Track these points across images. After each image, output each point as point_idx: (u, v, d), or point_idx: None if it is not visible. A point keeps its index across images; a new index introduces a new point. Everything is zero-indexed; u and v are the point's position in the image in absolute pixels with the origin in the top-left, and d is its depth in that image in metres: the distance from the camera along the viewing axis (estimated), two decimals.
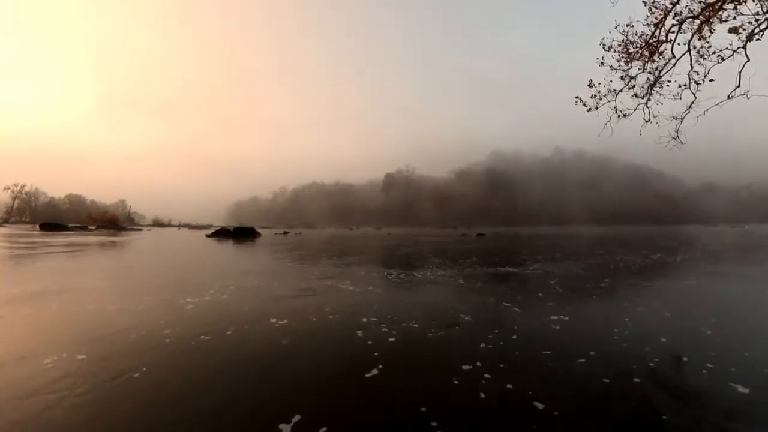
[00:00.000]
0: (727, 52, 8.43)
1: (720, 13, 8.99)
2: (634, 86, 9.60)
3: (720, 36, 8.91)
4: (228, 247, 17.56)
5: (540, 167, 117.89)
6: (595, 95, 9.76)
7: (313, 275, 7.40)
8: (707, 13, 9.18)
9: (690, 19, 9.20)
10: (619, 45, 10.21)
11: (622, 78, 10.26)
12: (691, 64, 9.57)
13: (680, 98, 9.86)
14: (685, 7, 9.34)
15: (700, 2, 9.22)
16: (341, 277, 7.06)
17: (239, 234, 28.16)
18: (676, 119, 9.93)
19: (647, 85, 9.53)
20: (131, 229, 56.17)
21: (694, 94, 9.61)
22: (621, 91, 9.80)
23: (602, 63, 10.28)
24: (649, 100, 9.63)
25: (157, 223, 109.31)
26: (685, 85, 9.14)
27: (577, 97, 10.10)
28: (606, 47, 10.37)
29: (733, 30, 7.92)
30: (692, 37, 9.48)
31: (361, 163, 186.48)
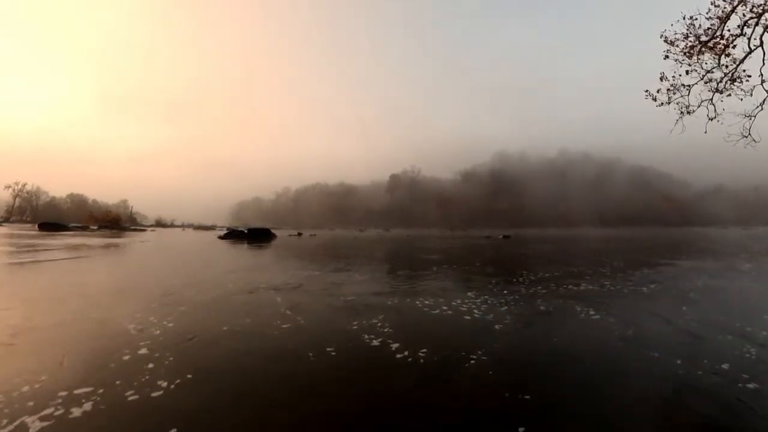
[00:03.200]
0: None
1: None
2: (710, 80, 9.11)
3: None
4: (254, 252, 16.18)
5: (545, 168, 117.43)
6: (670, 89, 9.31)
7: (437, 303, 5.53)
8: None
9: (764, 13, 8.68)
10: (684, 38, 9.74)
11: (687, 72, 9.78)
12: (763, 60, 9.09)
13: (751, 95, 9.37)
14: (755, 2, 8.85)
15: None
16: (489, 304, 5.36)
17: (254, 236, 27.55)
18: (748, 116, 9.44)
19: (726, 79, 9.01)
20: (134, 230, 55.64)
21: (767, 91, 9.11)
22: (695, 85, 9.30)
23: (667, 56, 9.83)
24: (729, 95, 9.10)
25: (160, 224, 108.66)
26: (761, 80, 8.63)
27: (646, 91, 9.69)
28: (669, 41, 9.93)
29: None
30: (764, 31, 9.00)
31: (365, 164, 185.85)
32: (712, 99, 9.64)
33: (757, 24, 8.53)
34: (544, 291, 6.45)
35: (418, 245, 21.07)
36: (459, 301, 5.46)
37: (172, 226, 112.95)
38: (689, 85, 9.35)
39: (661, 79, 9.49)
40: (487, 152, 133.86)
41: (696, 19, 9.42)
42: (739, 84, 8.86)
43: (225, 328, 4.01)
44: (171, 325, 4.09)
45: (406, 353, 3.26)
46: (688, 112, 9.97)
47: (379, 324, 4.20)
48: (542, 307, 5.18)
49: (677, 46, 9.74)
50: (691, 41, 9.56)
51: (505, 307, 5.11)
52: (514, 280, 7.70)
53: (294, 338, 3.71)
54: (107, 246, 18.33)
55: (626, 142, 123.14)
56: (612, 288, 6.87)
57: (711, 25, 9.27)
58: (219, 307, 5.03)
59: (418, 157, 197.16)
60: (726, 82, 8.96)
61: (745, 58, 8.92)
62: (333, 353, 3.28)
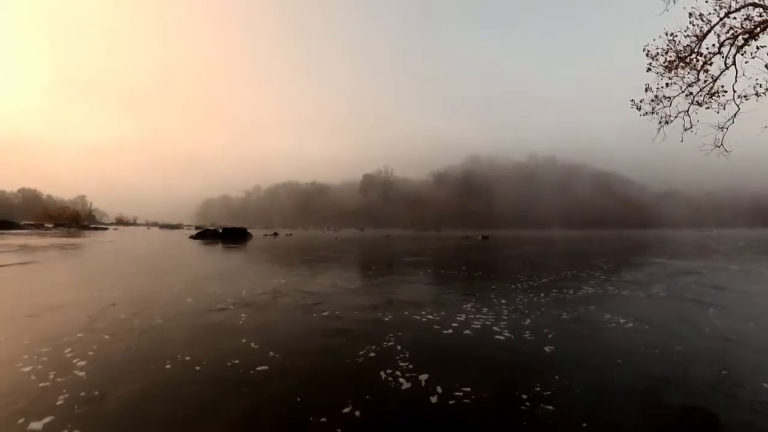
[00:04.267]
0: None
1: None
2: (691, 93, 9.68)
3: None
4: (228, 255, 15.05)
5: (515, 172, 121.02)
6: (654, 99, 9.85)
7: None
8: (753, 31, 9.30)
9: (741, 35, 9.31)
10: (665, 53, 10.29)
11: (667, 85, 10.35)
12: (736, 78, 9.73)
13: (724, 108, 10.02)
14: (731, 24, 9.48)
15: (747, 19, 9.37)
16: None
17: (229, 236, 26.72)
18: (720, 128, 10.09)
19: (705, 93, 9.60)
20: (94, 228, 52.62)
21: (738, 106, 9.77)
22: (676, 97, 9.87)
23: (649, 69, 10.37)
24: (707, 108, 9.68)
25: (121, 222, 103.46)
26: (740, 94, 9.26)
27: (632, 101, 10.19)
28: (650, 55, 10.47)
29: None
30: (737, 51, 9.63)
31: (336, 163, 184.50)
32: (688, 110, 10.26)
33: (732, 44, 9.16)
34: (557, 297, 6.21)
35: (399, 246, 21.10)
36: (470, 315, 4.80)
37: (134, 224, 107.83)
38: (670, 97, 9.93)
39: (646, 90, 10.03)
40: (458, 155, 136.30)
41: (676, 35, 10.01)
42: (716, 98, 9.45)
43: (154, 381, 2.77)
44: (81, 374, 2.90)
45: (443, 393, 2.59)
46: (667, 122, 10.56)
47: (390, 350, 3.46)
48: (567, 316, 4.88)
49: (657, 59, 10.33)
50: (671, 56, 10.15)
51: (529, 320, 4.61)
52: (518, 285, 7.33)
53: (270, 400, 2.51)
54: (64, 247, 16.78)
55: (590, 148, 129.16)
56: (619, 291, 6.90)
57: (690, 42, 9.87)
58: (161, 337, 3.85)
59: (390, 158, 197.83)
60: (704, 96, 9.57)
61: (720, 74, 9.55)
62: (351, 411, 2.35)
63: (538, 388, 2.68)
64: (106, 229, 54.67)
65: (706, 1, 9.08)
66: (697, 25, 9.67)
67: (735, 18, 8.95)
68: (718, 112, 9.54)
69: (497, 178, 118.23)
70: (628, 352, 3.52)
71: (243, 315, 4.79)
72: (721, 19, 9.20)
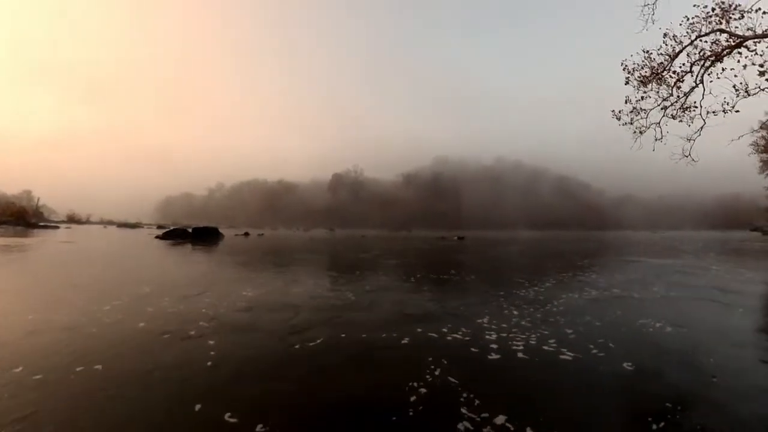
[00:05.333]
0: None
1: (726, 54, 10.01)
2: (666, 107, 10.40)
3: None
4: (199, 257, 13.86)
5: (482, 174, 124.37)
6: (632, 111, 10.56)
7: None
8: (720, 53, 10.10)
9: (709, 57, 10.09)
10: (640, 68, 10.99)
11: (642, 98, 11.07)
12: (703, 95, 10.55)
13: (692, 122, 10.84)
14: (701, 46, 10.26)
15: (714, 43, 10.17)
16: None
17: (199, 236, 25.69)
18: (690, 139, 10.92)
19: (678, 108, 10.34)
20: (44, 227, 48.99)
21: (704, 120, 10.60)
22: (652, 110, 10.59)
23: (627, 82, 11.04)
24: (680, 121, 10.41)
25: (73, 220, 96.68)
26: (708, 110, 10.05)
27: (612, 111, 10.88)
28: (627, 70, 11.15)
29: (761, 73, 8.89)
30: (704, 71, 10.44)
31: (304, 161, 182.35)
32: (659, 122, 11.04)
33: (702, 65, 9.94)
34: (581, 300, 5.96)
35: (377, 247, 21.05)
36: (501, 331, 4.22)
37: (88, 222, 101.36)
38: (646, 110, 10.64)
39: (626, 102, 10.70)
40: (427, 156, 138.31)
41: (651, 53, 10.71)
42: (689, 113, 10.22)
43: None
44: None
45: None
46: (641, 132, 11.29)
47: (441, 386, 2.77)
48: (607, 321, 4.68)
49: (633, 74, 11.03)
50: (645, 72, 10.86)
51: (573, 331, 4.20)
52: (523, 290, 6.84)
53: None
54: (9, 249, 15.02)
55: (553, 153, 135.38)
56: (635, 293, 6.91)
57: (663, 60, 10.60)
58: (78, 392, 2.63)
59: (359, 158, 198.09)
60: (677, 110, 10.32)
61: (690, 91, 10.33)
62: None
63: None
64: (57, 227, 51.03)
65: (680, 24, 9.82)
66: (671, 45, 10.42)
67: (705, 41, 9.72)
68: (689, 125, 10.35)
69: (465, 180, 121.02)
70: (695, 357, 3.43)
71: (212, 350, 3.48)
72: (692, 41, 9.95)
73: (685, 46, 10.15)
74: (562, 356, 3.44)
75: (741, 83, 9.17)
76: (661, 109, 10.47)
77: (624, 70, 11.08)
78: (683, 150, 11.04)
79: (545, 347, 3.67)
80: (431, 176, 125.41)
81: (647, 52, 10.77)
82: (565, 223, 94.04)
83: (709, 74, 10.23)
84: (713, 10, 9.36)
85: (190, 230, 26.98)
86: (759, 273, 10.63)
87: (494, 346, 3.70)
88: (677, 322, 4.66)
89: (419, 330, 4.26)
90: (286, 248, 19.65)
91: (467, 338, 3.97)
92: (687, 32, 9.91)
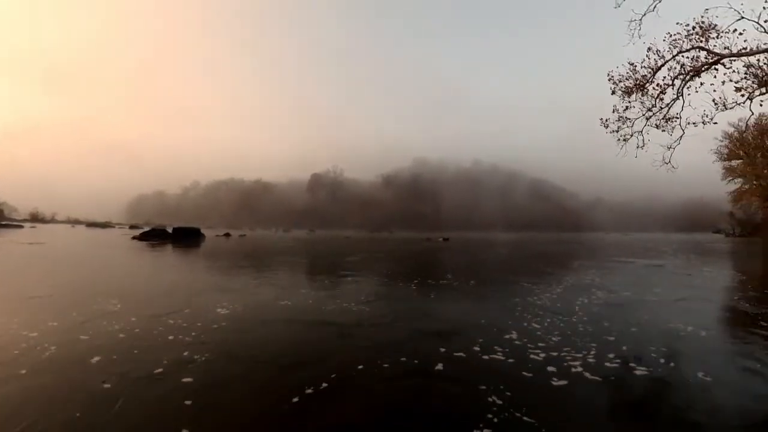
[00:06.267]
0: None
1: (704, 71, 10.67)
2: (650, 117, 10.98)
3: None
4: (180, 261, 13.06)
5: (461, 177, 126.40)
6: (619, 119, 11.13)
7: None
8: (699, 69, 10.74)
9: (689, 72, 10.73)
10: (625, 80, 11.56)
11: (626, 108, 11.66)
12: (682, 107, 11.20)
13: (672, 132, 11.49)
14: (682, 61, 10.88)
15: (694, 59, 10.80)
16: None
17: (180, 236, 25.04)
18: (670, 148, 11.57)
19: (661, 118, 10.94)
20: (5, 226, 46.47)
21: (683, 130, 11.26)
22: (637, 119, 11.17)
23: (613, 92, 11.57)
24: (663, 131, 11.02)
25: (37, 219, 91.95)
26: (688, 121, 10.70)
27: (601, 119, 11.43)
28: (613, 80, 11.69)
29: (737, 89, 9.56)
30: (684, 84, 11.08)
31: (282, 161, 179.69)
32: (641, 131, 11.65)
33: (683, 79, 10.55)
34: (595, 307, 5.73)
35: (364, 249, 21.01)
36: (536, 345, 3.76)
37: (53, 221, 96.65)
38: (631, 119, 11.22)
39: (613, 111, 11.25)
40: (407, 158, 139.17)
41: (636, 65, 11.27)
42: (671, 123, 10.83)
43: None
44: None
45: None
46: (625, 140, 11.87)
47: (500, 417, 2.29)
48: (662, 329, 4.46)
49: (618, 85, 11.59)
50: (629, 83, 11.43)
51: (621, 345, 3.80)
52: (535, 297, 6.39)
53: None
54: None
55: (528, 157, 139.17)
56: (638, 296, 6.81)
57: (646, 73, 11.19)
58: None
59: (338, 158, 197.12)
60: (660, 120, 10.92)
61: (671, 103, 10.95)
62: None
63: None
64: (21, 227, 48.41)
65: (664, 40, 10.40)
66: (653, 59, 11.02)
67: (686, 57, 10.33)
68: (670, 135, 10.99)
69: (444, 182, 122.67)
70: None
71: (187, 393, 2.60)
72: (673, 56, 10.53)
73: (667, 61, 10.74)
74: (636, 372, 3.11)
75: (720, 98, 9.80)
76: (646, 118, 11.07)
77: (610, 80, 11.62)
78: (664, 157, 11.73)
79: (608, 363, 3.27)
80: (410, 177, 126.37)
81: (632, 64, 11.33)
82: (540, 225, 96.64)
83: (688, 88, 10.90)
84: (693, 28, 9.96)
85: (169, 230, 26.25)
86: (746, 275, 10.84)
87: (550, 368, 3.16)
88: (705, 325, 4.68)
89: (444, 349, 3.59)
90: (270, 251, 19.31)
91: (510, 359, 3.36)
92: (669, 47, 10.52)
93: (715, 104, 9.88)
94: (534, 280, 8.71)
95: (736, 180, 39.75)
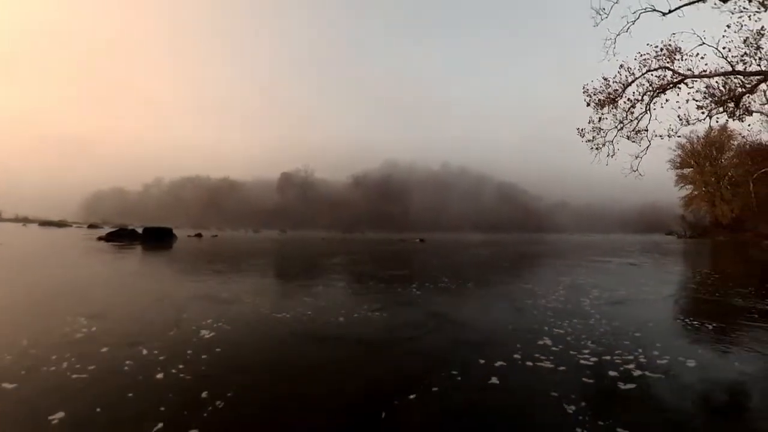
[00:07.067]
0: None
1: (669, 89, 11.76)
2: (622, 128, 11.95)
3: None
4: (152, 266, 12.14)
5: (430, 178, 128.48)
6: (593, 130, 12.08)
7: None
8: (665, 87, 11.79)
9: (657, 89, 11.76)
10: (599, 93, 12.48)
11: (599, 119, 12.61)
12: (650, 120, 12.23)
13: (640, 144, 12.51)
14: (651, 79, 11.92)
15: (661, 78, 11.86)
16: None
17: (151, 237, 24.10)
18: (638, 157, 12.62)
19: (632, 130, 11.94)
20: None
21: (649, 141, 12.32)
22: (610, 130, 12.14)
23: (588, 104, 12.48)
24: (633, 141, 12.02)
25: None
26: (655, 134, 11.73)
27: (579, 129, 12.32)
28: (588, 93, 12.60)
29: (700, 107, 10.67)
30: (651, 100, 12.12)
31: (250, 159, 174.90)
32: (612, 141, 12.65)
33: (651, 95, 11.58)
34: (604, 306, 5.91)
35: (343, 251, 20.96)
36: (576, 348, 3.74)
37: (0, 219, 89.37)
38: (605, 130, 12.17)
39: (589, 122, 12.17)
40: (377, 159, 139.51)
41: (609, 80, 12.20)
42: (640, 135, 11.84)
43: None
44: None
45: None
46: (598, 149, 12.81)
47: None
48: (662, 323, 4.89)
49: (593, 97, 12.50)
50: (602, 96, 12.37)
51: (668, 345, 3.88)
52: (543, 300, 6.36)
53: None
54: None
55: (495, 161, 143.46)
56: (633, 294, 7.16)
57: (617, 87, 12.15)
58: None
59: (306, 158, 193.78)
60: (631, 132, 11.93)
61: (641, 116, 11.97)
62: None
63: None
64: None
65: (635, 59, 11.39)
66: (624, 75, 12.01)
67: (654, 75, 11.38)
68: (639, 145, 12.04)
69: (413, 184, 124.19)
70: None
71: None
72: (642, 74, 11.58)
73: (637, 78, 11.78)
74: (689, 365, 3.34)
75: (684, 114, 10.85)
76: (617, 129, 12.07)
77: (584, 93, 12.56)
78: (632, 165, 12.81)
79: (659, 361, 3.41)
80: (381, 179, 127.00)
81: (606, 79, 12.30)
82: (506, 226, 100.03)
83: (654, 103, 11.97)
84: (661, 50, 11.01)
85: (139, 231, 25.22)
86: (716, 272, 11.49)
87: (610, 372, 3.13)
88: (706, 320, 5.08)
89: (483, 360, 3.40)
90: (248, 253, 18.84)
91: (561, 366, 3.27)
92: (639, 66, 11.54)
93: (680, 120, 10.87)
94: (532, 282, 8.72)
95: (687, 186, 43.94)
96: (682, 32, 10.56)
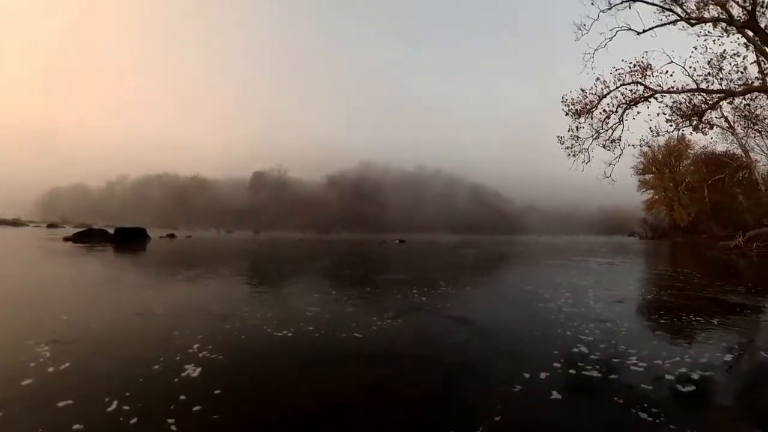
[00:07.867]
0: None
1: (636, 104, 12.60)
2: (598, 137, 12.69)
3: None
4: (126, 270, 11.21)
5: (405, 180, 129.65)
6: (572, 137, 12.78)
7: None
8: (637, 100, 12.60)
9: (630, 102, 12.56)
10: (576, 103, 13.19)
11: (577, 128, 13.34)
12: (622, 130, 13.03)
13: (613, 152, 13.30)
14: (624, 92, 12.71)
15: (633, 92, 12.66)
16: None
17: (123, 238, 23.17)
18: (611, 164, 13.42)
19: (608, 139, 12.69)
20: None
21: (621, 150, 13.14)
22: (587, 138, 12.86)
23: (567, 114, 13.16)
24: (609, 150, 12.77)
25: None
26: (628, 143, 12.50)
27: (558, 136, 12.98)
28: (566, 103, 13.28)
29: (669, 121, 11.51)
30: (624, 112, 12.92)
31: (220, 157, 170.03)
32: (588, 148, 13.41)
33: (624, 107, 12.37)
34: (613, 305, 6.06)
35: (324, 252, 20.75)
36: (619, 354, 3.62)
37: None
38: (583, 138, 12.90)
39: (568, 131, 12.85)
40: (352, 159, 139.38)
41: (586, 92, 12.91)
42: (616, 143, 12.62)
43: None
44: None
45: None
46: (574, 156, 13.52)
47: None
48: (671, 323, 4.98)
49: (570, 107, 13.20)
50: (579, 107, 13.08)
51: (692, 341, 4.15)
52: (553, 303, 6.16)
53: None
54: None
55: (469, 164, 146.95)
56: (631, 294, 7.51)
57: (593, 99, 12.88)
58: None
59: (280, 157, 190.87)
60: (607, 141, 12.69)
61: (615, 126, 12.75)
62: None
63: None
64: None
65: (611, 73, 12.15)
66: (600, 88, 12.76)
67: (627, 89, 12.18)
68: (613, 153, 12.84)
69: (388, 185, 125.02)
70: None
71: None
72: (617, 87, 12.37)
73: (612, 90, 12.56)
74: (742, 362, 3.64)
75: (655, 126, 11.69)
76: (593, 138, 12.82)
77: (563, 102, 13.24)
78: (605, 172, 13.65)
79: (704, 360, 3.48)
80: (356, 179, 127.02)
81: (583, 90, 13.03)
82: (479, 228, 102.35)
83: (627, 115, 12.80)
84: (635, 66, 11.82)
85: (110, 231, 24.21)
86: (690, 270, 11.92)
87: (667, 376, 3.07)
88: (707, 316, 5.33)
89: (529, 375, 3.11)
90: (227, 254, 18.30)
91: (612, 375, 3.11)
92: (614, 80, 12.33)
93: (651, 131, 11.68)
94: (532, 284, 8.57)
95: (648, 191, 47.04)
96: (653, 51, 11.40)
